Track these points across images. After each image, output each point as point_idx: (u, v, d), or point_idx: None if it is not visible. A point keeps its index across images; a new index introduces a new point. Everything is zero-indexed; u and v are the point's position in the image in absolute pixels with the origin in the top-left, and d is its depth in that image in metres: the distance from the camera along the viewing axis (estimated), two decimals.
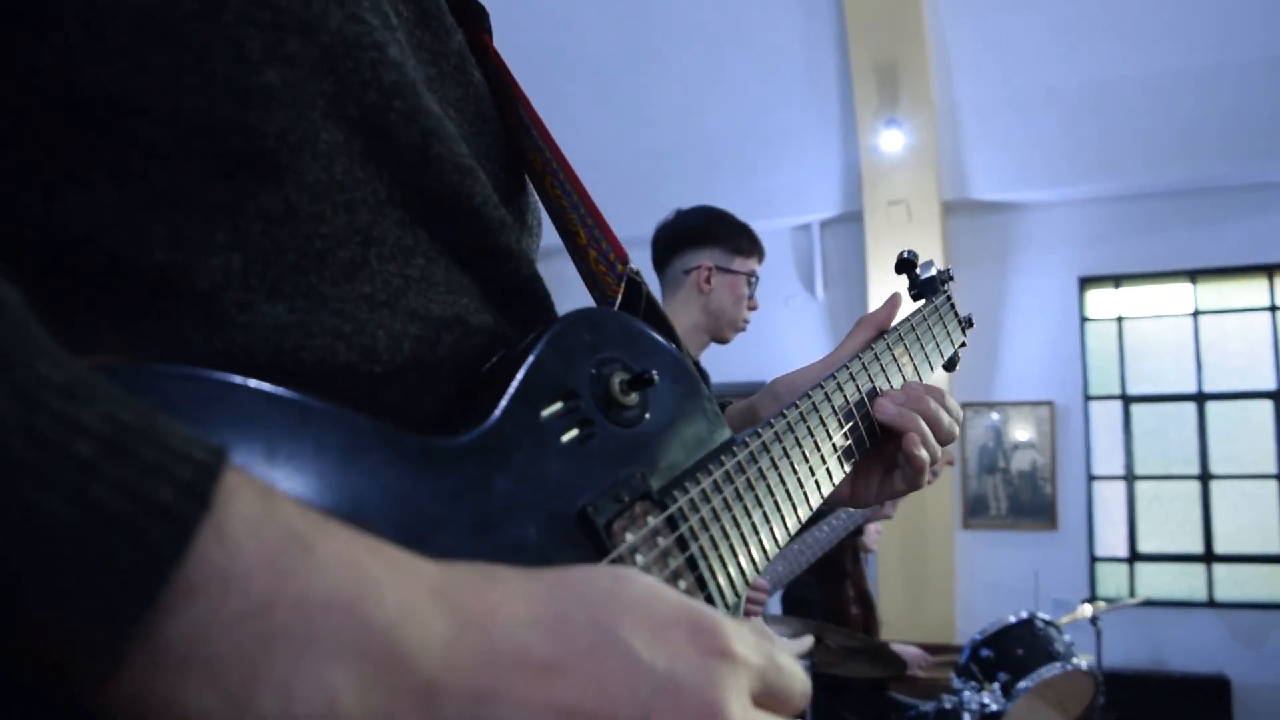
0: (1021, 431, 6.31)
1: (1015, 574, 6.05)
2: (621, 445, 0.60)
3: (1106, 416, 6.29)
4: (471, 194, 0.58)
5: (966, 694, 3.10)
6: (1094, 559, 6.16)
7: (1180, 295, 6.24)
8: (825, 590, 3.70)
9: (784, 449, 0.76)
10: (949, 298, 1.17)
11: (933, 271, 1.17)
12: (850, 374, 0.90)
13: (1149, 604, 5.93)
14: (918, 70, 6.29)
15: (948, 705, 3.22)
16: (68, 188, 0.44)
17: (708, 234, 2.51)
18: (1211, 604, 5.91)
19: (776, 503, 0.73)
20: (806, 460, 0.79)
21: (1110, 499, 6.23)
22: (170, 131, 0.45)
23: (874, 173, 6.45)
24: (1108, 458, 6.26)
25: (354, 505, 0.43)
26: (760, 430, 0.74)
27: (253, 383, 0.42)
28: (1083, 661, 3.28)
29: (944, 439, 0.93)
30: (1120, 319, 6.34)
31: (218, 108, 0.46)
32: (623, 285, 0.71)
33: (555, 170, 0.72)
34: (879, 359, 0.96)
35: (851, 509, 2.65)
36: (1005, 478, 6.32)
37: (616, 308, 0.70)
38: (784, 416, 0.78)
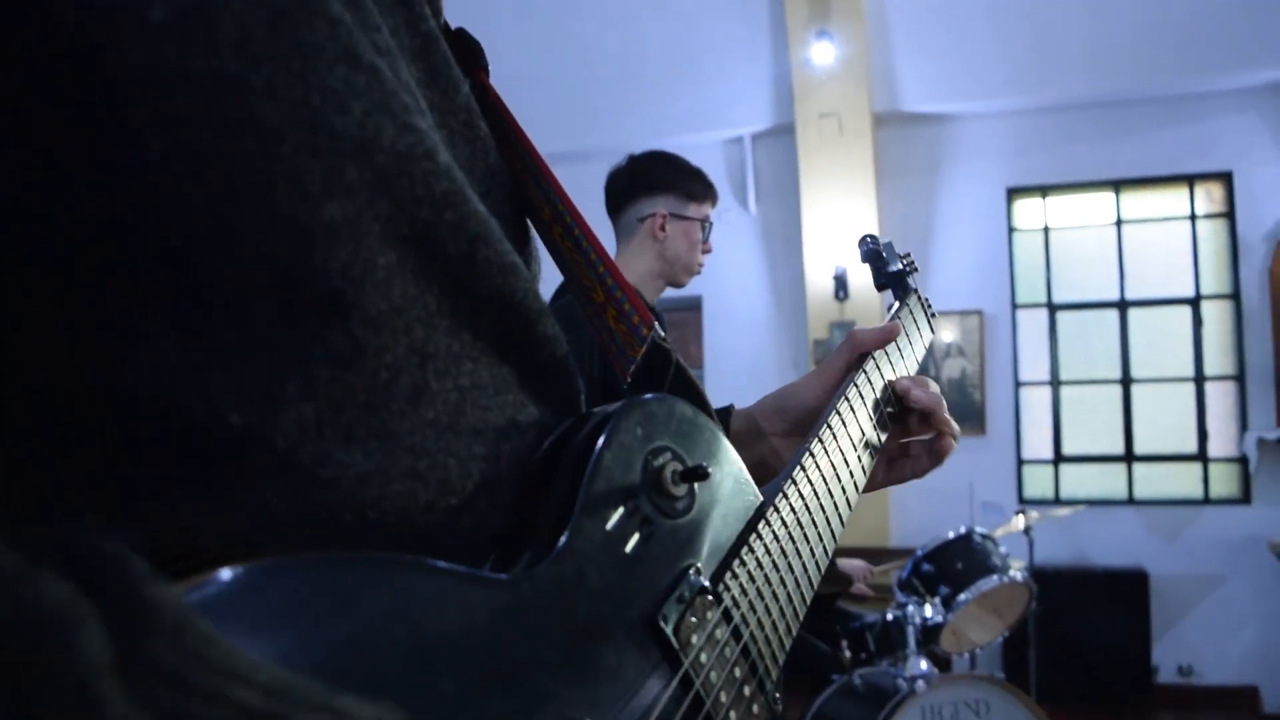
0: (951, 340, 6.46)
1: (945, 478, 6.20)
2: (676, 539, 0.61)
3: (1033, 324, 6.46)
4: (514, 290, 0.56)
5: (910, 608, 3.23)
6: (1021, 462, 6.38)
7: (1104, 205, 6.38)
8: None
9: (813, 499, 0.78)
10: (918, 294, 1.18)
11: (899, 264, 1.19)
12: (858, 389, 0.93)
13: (1073, 503, 6.20)
14: None
15: (891, 617, 3.35)
16: (129, 348, 0.41)
17: (661, 181, 2.51)
18: (1131, 502, 6.18)
19: (811, 551, 0.76)
20: (832, 497, 0.82)
21: (1036, 404, 6.43)
22: (233, 279, 0.42)
23: (805, 85, 6.43)
24: (1034, 364, 6.44)
25: (450, 661, 0.43)
26: (786, 492, 0.75)
27: (374, 560, 0.43)
28: (1018, 573, 3.43)
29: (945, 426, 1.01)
30: (1047, 229, 6.47)
31: (280, 250, 0.43)
32: (644, 349, 0.70)
33: (568, 223, 0.70)
34: (876, 368, 0.99)
35: None
36: (936, 384, 6.47)
37: (634, 368, 0.70)
38: (804, 465, 0.80)
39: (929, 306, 1.21)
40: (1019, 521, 3.96)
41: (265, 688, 0.32)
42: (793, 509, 0.75)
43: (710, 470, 0.62)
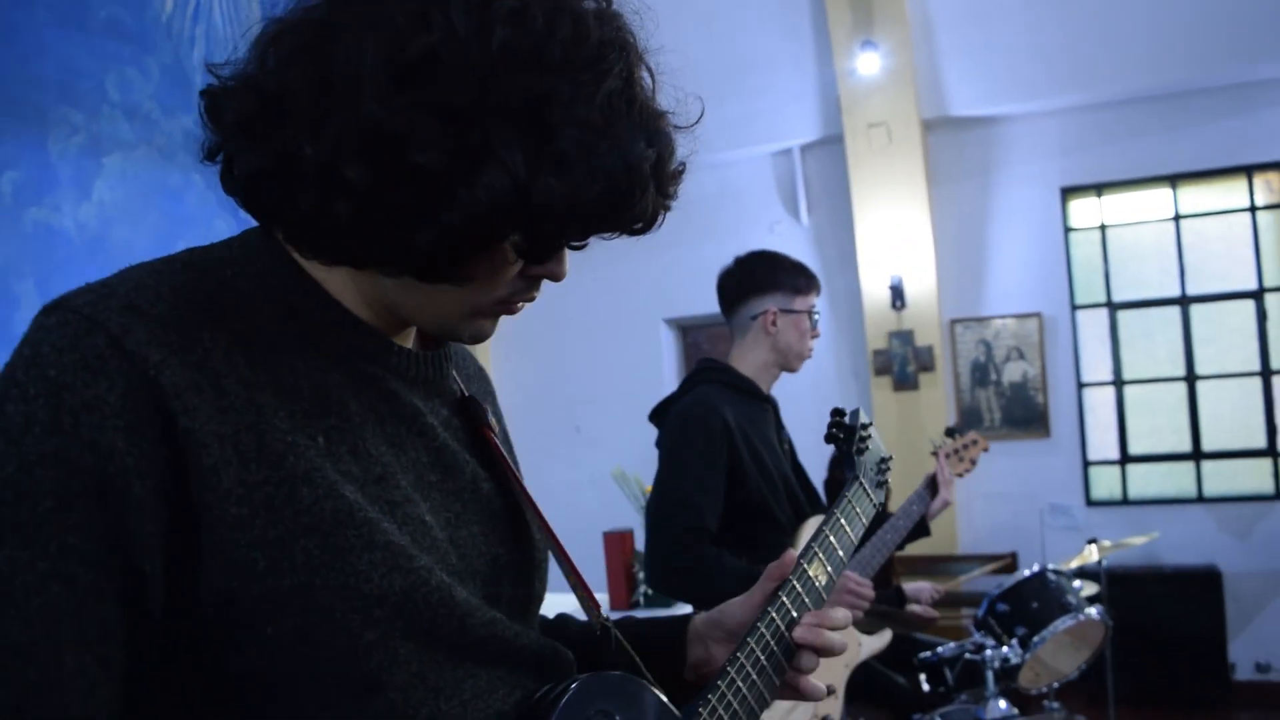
0: (1011, 343, 6.45)
1: (1012, 483, 6.26)
2: None
3: (1093, 324, 6.42)
4: (495, 632, 0.87)
5: (988, 651, 3.28)
6: (1087, 463, 6.36)
7: (1161, 200, 6.31)
8: None
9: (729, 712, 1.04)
10: (858, 479, 1.38)
11: (855, 441, 1.43)
12: (760, 629, 1.11)
13: (1141, 502, 6.18)
14: None
15: (969, 654, 3.40)
16: None
17: (768, 280, 2.75)
18: (1200, 499, 6.14)
19: None
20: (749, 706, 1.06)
21: (1100, 404, 6.40)
22: (316, 686, 0.75)
23: (852, 96, 6.44)
24: (1096, 364, 6.40)
25: None
26: (700, 708, 1.01)
27: None
28: (1093, 611, 3.47)
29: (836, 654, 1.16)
30: (1103, 227, 6.42)
31: (341, 665, 0.76)
32: (600, 629, 1.05)
33: (545, 532, 1.02)
34: (791, 594, 1.15)
35: (912, 508, 2.83)
36: (997, 390, 6.48)
37: (598, 643, 1.05)
38: (716, 687, 1.04)
39: (882, 466, 1.46)
40: (1092, 552, 3.98)
41: None
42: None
43: (634, 717, 0.92)
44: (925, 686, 3.51)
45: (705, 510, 2.49)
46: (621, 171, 0.76)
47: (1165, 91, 6.10)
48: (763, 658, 1.09)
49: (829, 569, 1.23)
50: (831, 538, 1.26)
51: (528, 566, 0.99)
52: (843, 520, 1.30)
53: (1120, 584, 5.28)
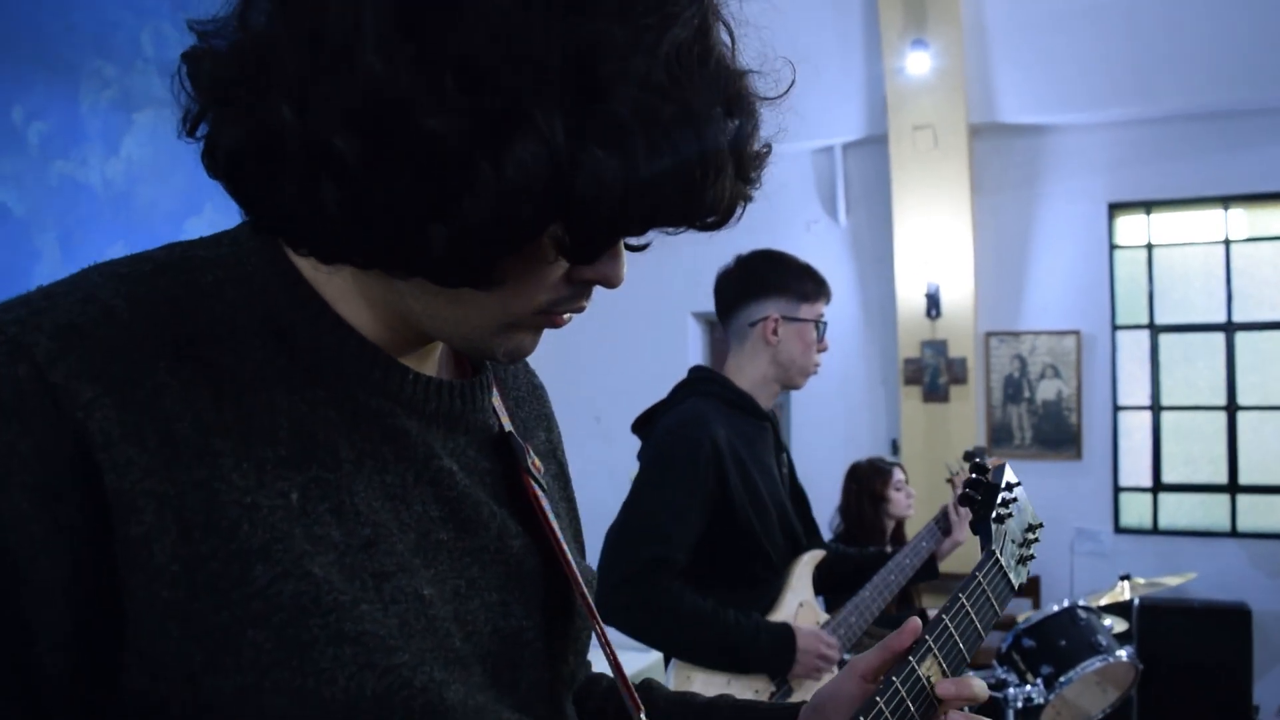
0: (1047, 360, 6.28)
1: (1039, 503, 6.06)
2: None
3: (1134, 346, 6.24)
4: None
5: (1011, 690, 3.14)
6: (1118, 489, 6.18)
7: (1212, 222, 6.12)
8: None
9: None
10: (995, 558, 1.14)
11: (995, 505, 1.16)
12: (882, 706, 0.92)
13: (1172, 533, 6.02)
14: None
15: (990, 691, 3.27)
16: None
17: (771, 283, 2.43)
18: (1234, 534, 5.96)
19: None
20: None
21: (1135, 429, 6.23)
22: None
23: (899, 96, 6.27)
24: (1134, 387, 6.23)
25: None
26: None
27: None
28: (1124, 653, 3.32)
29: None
30: (1150, 246, 6.23)
31: None
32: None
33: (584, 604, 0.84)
34: (895, 699, 0.94)
35: (921, 544, 2.61)
36: (1030, 407, 6.31)
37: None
38: None
39: (1028, 534, 1.22)
40: (1124, 590, 3.83)
41: None
42: None
43: None
44: None
45: (676, 542, 2.21)
46: (693, 145, 0.59)
47: (1221, 110, 5.90)
48: None
49: (945, 671, 0.99)
50: (953, 629, 1.02)
51: (562, 642, 0.83)
52: (970, 609, 1.05)
53: (1146, 617, 5.09)
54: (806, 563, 2.47)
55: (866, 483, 4.25)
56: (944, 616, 1.02)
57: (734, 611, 2.24)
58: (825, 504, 4.00)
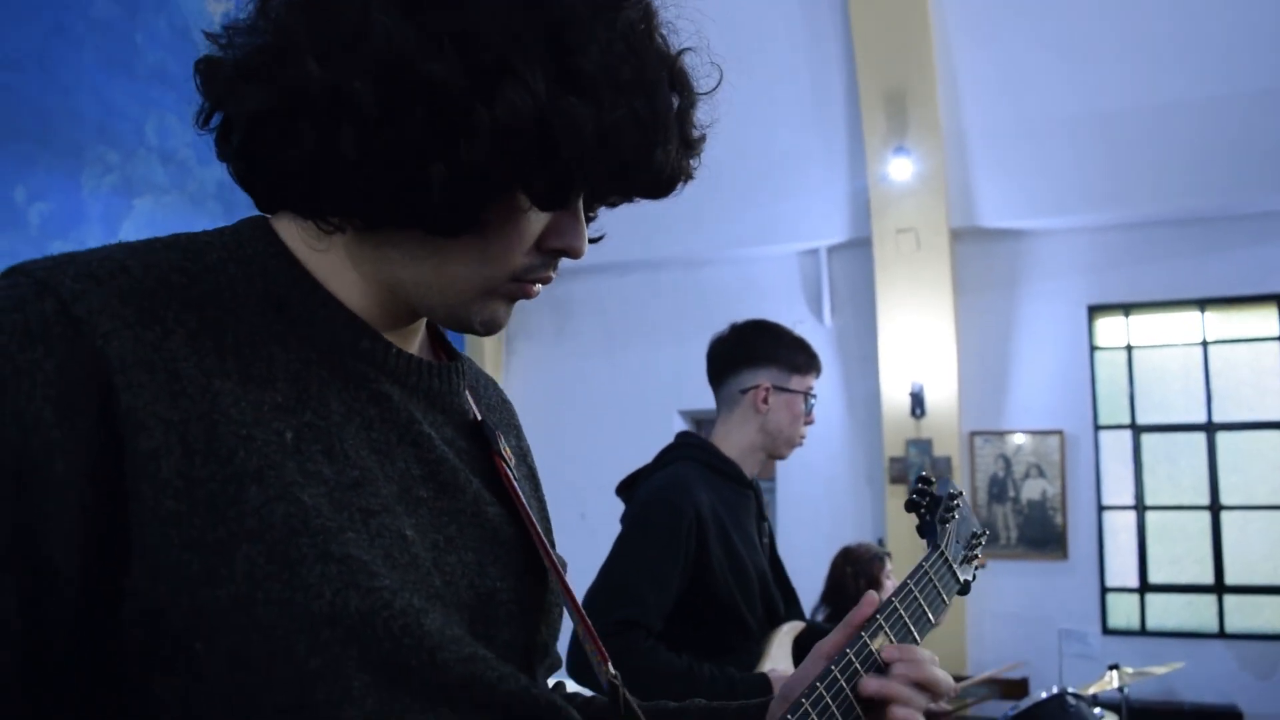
0: (1031, 460, 6.32)
1: (1025, 604, 6.07)
2: None
3: (1116, 446, 6.29)
4: (475, 672, 0.74)
5: None
6: (1105, 589, 6.16)
7: (1189, 324, 6.25)
8: None
9: None
10: (941, 551, 1.23)
11: (939, 510, 1.26)
12: (820, 690, 0.99)
13: (1160, 634, 5.97)
14: (926, 97, 6.30)
15: None
16: None
17: (765, 353, 2.46)
18: (1222, 635, 5.92)
19: None
20: None
21: (1120, 528, 6.24)
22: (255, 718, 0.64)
23: (882, 200, 6.44)
24: (1118, 487, 6.26)
25: None
26: None
27: None
28: None
29: (938, 695, 1.05)
30: (1130, 348, 6.34)
31: (283, 695, 0.64)
32: (607, 684, 0.89)
33: (554, 575, 0.88)
34: (849, 668, 1.03)
35: None
36: (1015, 507, 6.33)
37: (608, 702, 0.89)
38: None
39: (972, 541, 1.29)
40: (1112, 679, 3.79)
41: None
42: None
43: None
44: None
45: (651, 608, 2.18)
46: (646, 103, 0.71)
47: (1197, 215, 6.08)
48: None
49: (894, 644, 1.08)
50: (902, 610, 1.11)
51: (534, 610, 0.87)
52: (917, 593, 1.15)
53: (1135, 718, 5.05)
54: (786, 633, 2.43)
55: (864, 566, 4.22)
56: (893, 600, 1.11)
57: (709, 666, 2.21)
58: (808, 598, 3.98)
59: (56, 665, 0.62)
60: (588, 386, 7.09)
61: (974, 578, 1.28)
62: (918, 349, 6.36)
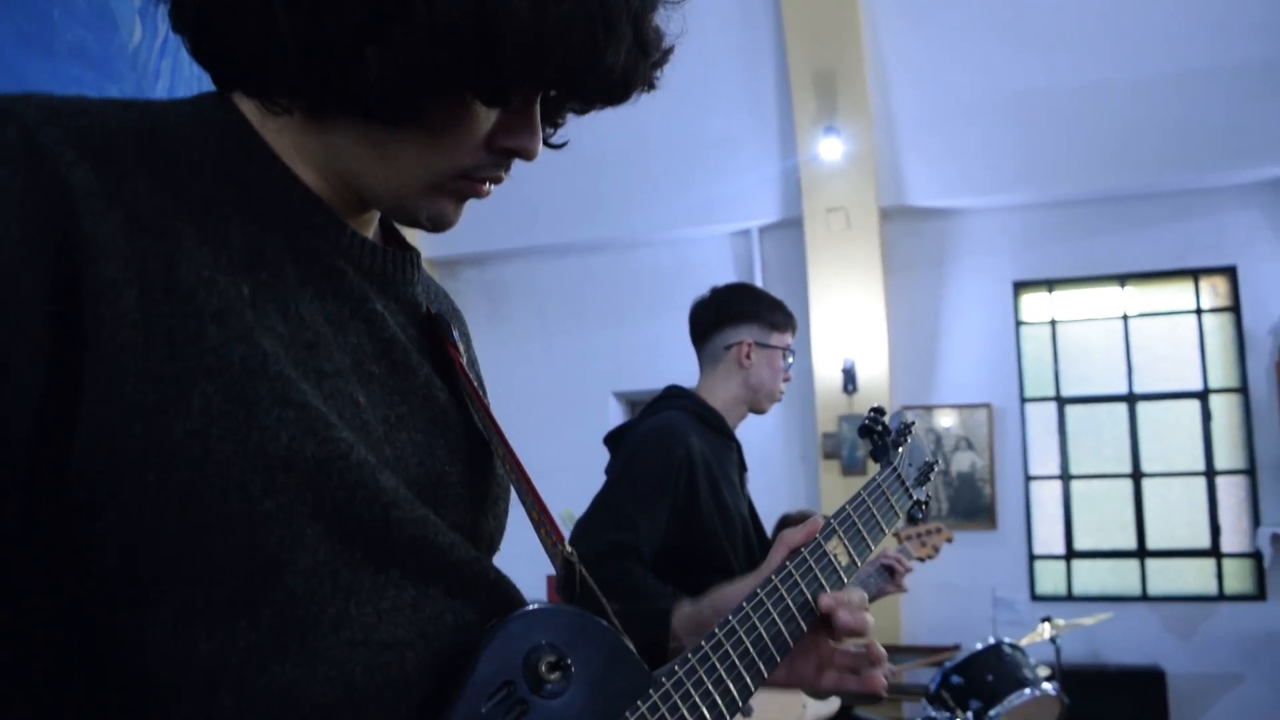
0: (960, 433, 6.45)
1: (957, 574, 6.19)
2: (551, 715, 0.75)
3: (1042, 418, 6.46)
4: (426, 535, 0.74)
5: None
6: (1033, 557, 6.33)
7: (1110, 299, 6.43)
8: None
9: (697, 681, 0.89)
10: (894, 468, 1.27)
11: (892, 434, 1.30)
12: (760, 597, 1.00)
13: (1086, 599, 6.14)
14: (855, 79, 6.38)
15: None
16: (137, 617, 0.62)
17: (746, 311, 2.61)
18: (1145, 598, 6.12)
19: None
20: (714, 689, 0.90)
21: (1047, 498, 6.41)
22: (204, 561, 0.62)
23: (813, 180, 6.51)
24: (1044, 458, 6.43)
25: None
26: (676, 666, 0.88)
27: None
28: (1050, 686, 3.38)
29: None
30: (1054, 322, 6.51)
31: (235, 537, 0.63)
32: (563, 563, 0.86)
33: (509, 460, 0.88)
34: (800, 570, 1.05)
35: (870, 580, 2.73)
36: (945, 479, 6.46)
37: (560, 579, 0.87)
38: (700, 648, 0.92)
39: (924, 470, 1.32)
40: (1045, 630, 3.91)
41: None
42: (676, 690, 0.86)
43: (586, 657, 0.79)
44: None
45: (643, 534, 2.23)
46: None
47: (1117, 194, 6.25)
48: (761, 627, 0.97)
49: (850, 551, 1.10)
50: (855, 518, 1.14)
51: (480, 497, 0.86)
52: (870, 503, 1.17)
53: (1065, 682, 5.19)
54: None
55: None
56: (847, 507, 1.14)
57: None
58: None
59: (7, 491, 0.60)
60: (522, 371, 7.06)
61: (927, 499, 1.32)
62: (849, 326, 6.45)
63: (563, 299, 7.36)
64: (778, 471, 6.72)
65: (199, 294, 0.64)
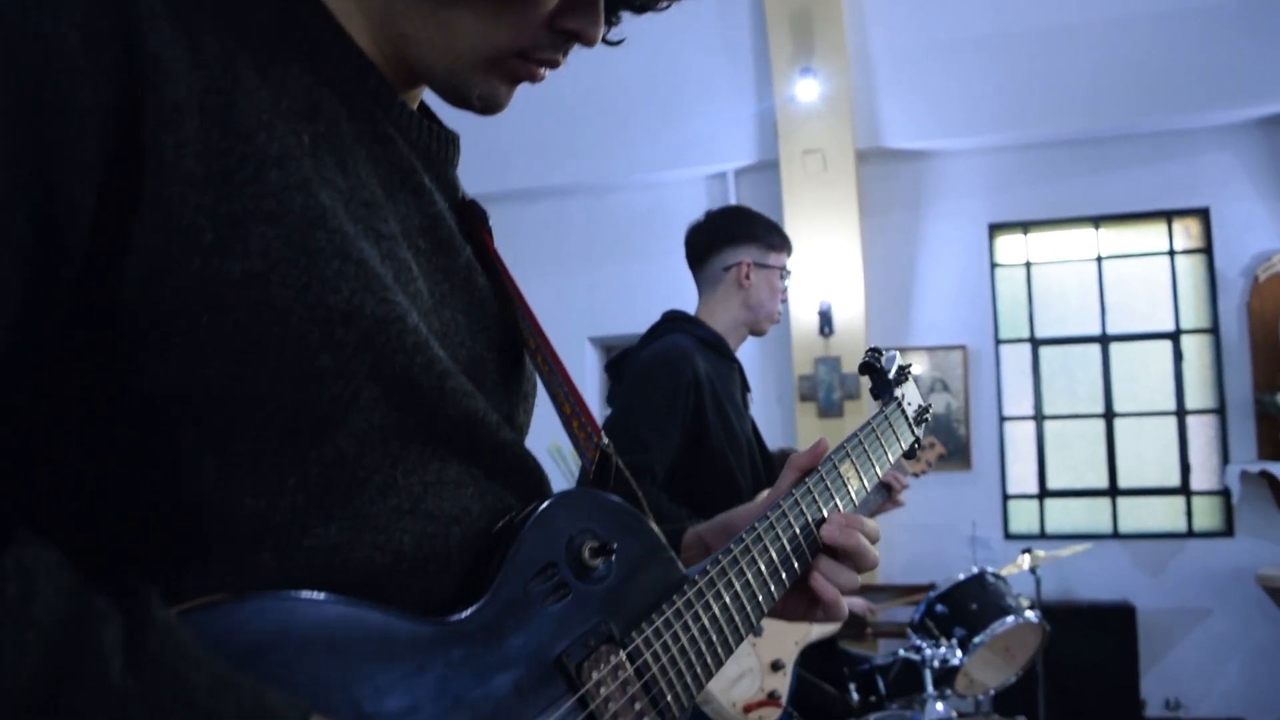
0: (935, 375, 6.49)
1: (932, 514, 6.26)
2: (591, 600, 0.76)
3: (1016, 359, 6.50)
4: (476, 410, 0.73)
5: (927, 651, 3.21)
6: (1006, 496, 6.40)
7: (1085, 241, 6.45)
8: None
9: (727, 583, 0.90)
10: (898, 403, 1.27)
11: (891, 372, 1.29)
12: (783, 509, 1.00)
13: (1061, 537, 6.23)
14: (832, 19, 6.32)
15: (904, 659, 3.33)
16: (181, 466, 0.58)
17: (744, 232, 2.62)
18: (1116, 535, 6.22)
19: (721, 627, 0.88)
20: (742, 593, 0.92)
21: (1021, 439, 6.47)
22: (255, 412, 0.59)
23: (789, 122, 6.47)
24: (1018, 399, 6.48)
25: (371, 671, 0.60)
26: (708, 567, 0.89)
27: (307, 595, 0.59)
28: (1032, 614, 3.43)
29: (867, 566, 1.04)
30: (1028, 264, 6.53)
31: (289, 390, 0.60)
32: (597, 454, 0.87)
33: (544, 351, 0.86)
34: (817, 488, 1.05)
35: (870, 499, 2.73)
36: None
37: (593, 472, 0.87)
38: (729, 551, 0.92)
39: (920, 412, 1.32)
40: (1024, 561, 3.96)
41: (213, 675, 0.50)
42: (713, 582, 0.89)
43: (625, 547, 0.79)
44: (855, 696, 3.42)
45: (655, 454, 2.25)
46: None
47: (1091, 136, 6.26)
48: (772, 550, 0.96)
49: (861, 476, 1.11)
50: (865, 445, 1.14)
51: (514, 389, 0.85)
52: (878, 433, 1.18)
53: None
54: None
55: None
56: (857, 433, 1.16)
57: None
58: None
59: (59, 309, 0.55)
60: None
61: (919, 444, 1.33)
62: (825, 269, 6.44)
63: (537, 244, 7.30)
64: (754, 413, 6.72)
65: (259, 136, 0.61)
